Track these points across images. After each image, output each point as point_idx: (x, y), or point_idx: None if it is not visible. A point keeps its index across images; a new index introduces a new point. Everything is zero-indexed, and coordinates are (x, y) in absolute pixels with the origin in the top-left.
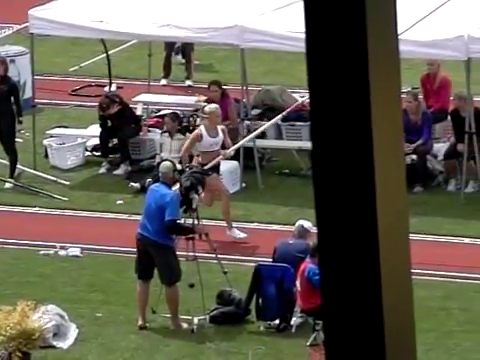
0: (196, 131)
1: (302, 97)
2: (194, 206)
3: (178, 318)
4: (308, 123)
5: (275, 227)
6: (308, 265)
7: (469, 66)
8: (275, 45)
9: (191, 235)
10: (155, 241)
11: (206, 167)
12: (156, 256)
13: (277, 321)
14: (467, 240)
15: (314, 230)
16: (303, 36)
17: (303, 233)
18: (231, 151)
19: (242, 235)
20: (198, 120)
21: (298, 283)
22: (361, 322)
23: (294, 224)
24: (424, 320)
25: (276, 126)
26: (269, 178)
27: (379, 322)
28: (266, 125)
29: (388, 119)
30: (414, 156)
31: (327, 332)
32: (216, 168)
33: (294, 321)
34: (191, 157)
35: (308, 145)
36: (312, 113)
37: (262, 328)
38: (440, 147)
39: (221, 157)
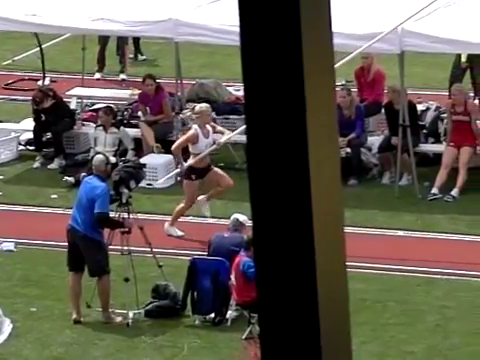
0: (192, 131)
1: (237, 91)
2: (124, 200)
3: (109, 311)
4: (243, 116)
5: (210, 221)
6: (243, 258)
7: (403, 59)
8: (209, 39)
9: (122, 229)
10: (83, 233)
11: (201, 155)
12: (83, 248)
13: (212, 315)
14: (401, 233)
15: (249, 224)
16: (238, 29)
17: (238, 226)
18: (225, 140)
19: (179, 233)
20: (189, 121)
21: (233, 277)
22: (296, 315)
23: (229, 218)
24: (359, 313)
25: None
26: None
27: (314, 315)
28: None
29: (323, 112)
30: (348, 149)
31: (262, 325)
32: (203, 172)
33: (229, 314)
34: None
35: (243, 139)
36: (247, 107)
37: (197, 322)
38: (374, 140)
39: (215, 147)
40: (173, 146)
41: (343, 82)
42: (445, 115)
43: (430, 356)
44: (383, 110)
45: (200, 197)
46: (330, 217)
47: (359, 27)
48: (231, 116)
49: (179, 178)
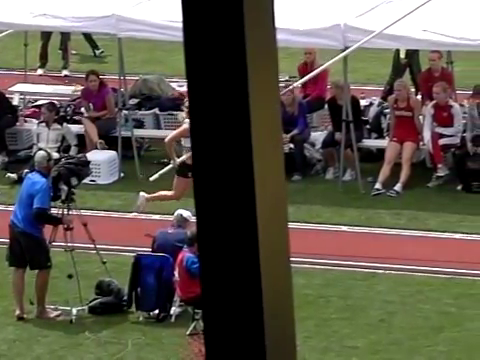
0: (184, 125)
1: (180, 86)
2: (63, 197)
3: (43, 306)
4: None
5: (154, 217)
6: (186, 254)
7: (346, 55)
8: (152, 34)
9: (60, 224)
10: (23, 229)
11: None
12: (24, 244)
13: (156, 311)
14: (345, 228)
15: (193, 219)
16: (180, 25)
17: (182, 222)
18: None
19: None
20: (183, 115)
21: (177, 273)
22: (240, 311)
23: (173, 213)
24: (303, 308)
25: (154, 115)
26: (148, 168)
27: (258, 310)
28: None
29: (266, 108)
30: (292, 145)
31: (206, 321)
32: None
33: (173, 311)
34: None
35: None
36: (190, 102)
37: (141, 318)
38: (318, 135)
39: None
40: (166, 139)
41: (287, 78)
42: (388, 110)
43: (373, 351)
44: (326, 106)
45: (142, 193)
46: (274, 213)
47: (302, 23)
48: (175, 112)
49: (122, 174)
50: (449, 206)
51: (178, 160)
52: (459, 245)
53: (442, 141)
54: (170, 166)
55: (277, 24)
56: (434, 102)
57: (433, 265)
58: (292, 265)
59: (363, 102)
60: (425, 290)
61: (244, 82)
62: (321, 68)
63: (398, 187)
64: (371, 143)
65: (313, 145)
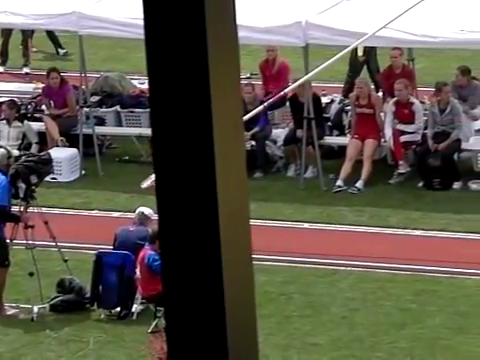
0: None
1: (141, 84)
2: (21, 195)
3: (2, 304)
4: (147, 110)
5: (115, 214)
6: (147, 252)
7: (307, 52)
8: (114, 32)
9: (19, 222)
10: None
11: None
12: None
13: (118, 308)
14: (306, 225)
15: (155, 217)
16: (141, 22)
17: (144, 220)
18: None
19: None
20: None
21: (138, 270)
22: (202, 308)
23: (135, 211)
24: (264, 305)
25: (115, 113)
26: (109, 165)
27: (220, 308)
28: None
29: (228, 105)
30: (253, 142)
31: (168, 319)
32: None
33: (135, 308)
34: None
35: (148, 132)
36: (151, 100)
37: (103, 316)
38: (279, 133)
39: None
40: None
41: (248, 75)
42: (349, 108)
43: (335, 348)
44: (288, 103)
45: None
46: (236, 210)
47: (263, 20)
48: (136, 109)
49: (83, 172)
50: (410, 203)
51: None
52: (420, 242)
53: (403, 138)
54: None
55: (238, 21)
56: (395, 99)
57: (394, 262)
58: (254, 262)
59: (324, 99)
60: (386, 287)
61: (205, 79)
62: (322, 67)
63: (359, 184)
64: (332, 140)
65: (275, 142)
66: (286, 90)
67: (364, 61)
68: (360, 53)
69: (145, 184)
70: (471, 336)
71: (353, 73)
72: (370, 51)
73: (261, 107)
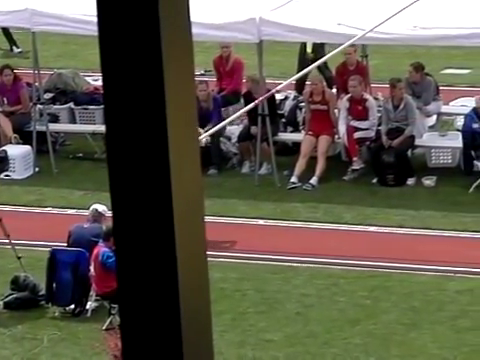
0: None
1: (95, 81)
2: None
3: None
4: (101, 107)
5: (70, 211)
6: (101, 249)
7: (261, 48)
8: (67, 28)
9: None
10: None
11: None
12: None
13: (72, 306)
14: (261, 221)
15: (109, 214)
16: (95, 19)
17: (98, 217)
18: (202, 138)
19: None
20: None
21: (92, 267)
22: (157, 305)
23: (89, 208)
24: (219, 302)
25: (69, 110)
26: (63, 162)
27: (175, 305)
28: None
29: (182, 102)
30: (208, 139)
31: (123, 316)
32: None
33: (89, 305)
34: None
35: (102, 129)
36: (105, 97)
37: (57, 313)
38: (234, 129)
39: None
40: None
41: (202, 72)
42: (303, 104)
43: (289, 344)
44: (242, 99)
45: None
46: (190, 207)
47: (217, 17)
48: (90, 106)
49: (37, 169)
50: (364, 199)
51: None
52: (374, 238)
53: (357, 134)
54: None
55: (192, 18)
56: (349, 95)
57: (349, 258)
58: (208, 259)
59: (278, 96)
60: (341, 283)
61: (159, 76)
62: (321, 61)
63: (314, 180)
64: (287, 137)
65: (229, 139)
66: (278, 88)
67: (313, 58)
68: (309, 50)
69: None
70: (424, 332)
71: (300, 69)
72: (319, 48)
73: (252, 104)
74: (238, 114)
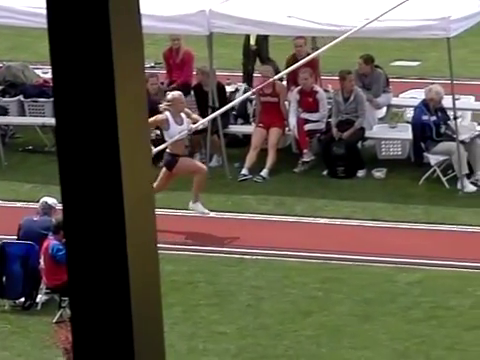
0: (161, 115)
1: (45, 73)
2: None
3: None
4: (51, 99)
5: (19, 204)
6: (51, 242)
7: (211, 41)
8: (17, 21)
9: None
10: None
11: (167, 144)
12: None
13: (22, 299)
14: (212, 214)
15: (59, 207)
16: (45, 12)
17: (47, 210)
18: (198, 125)
19: (206, 211)
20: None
21: (42, 260)
22: (107, 298)
23: (38, 201)
24: (170, 294)
25: (19, 102)
26: (12, 155)
27: (126, 298)
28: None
29: (132, 95)
30: (158, 131)
31: (73, 309)
32: (179, 153)
33: (40, 298)
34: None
35: (52, 121)
36: (55, 89)
37: (7, 306)
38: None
39: (187, 132)
40: None
41: (152, 64)
42: (254, 96)
43: (241, 336)
44: (192, 92)
45: (191, 205)
46: (141, 199)
47: (167, 9)
48: (39, 99)
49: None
50: (315, 191)
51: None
52: (325, 229)
53: (307, 126)
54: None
55: (142, 10)
56: (299, 88)
57: (300, 250)
58: (159, 252)
59: (229, 88)
60: (292, 275)
61: (110, 69)
62: (312, 56)
63: (264, 173)
64: (237, 129)
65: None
66: (276, 77)
67: (256, 50)
68: (252, 42)
69: None
70: (377, 323)
71: (247, 61)
72: (262, 41)
73: (247, 94)
74: (234, 103)
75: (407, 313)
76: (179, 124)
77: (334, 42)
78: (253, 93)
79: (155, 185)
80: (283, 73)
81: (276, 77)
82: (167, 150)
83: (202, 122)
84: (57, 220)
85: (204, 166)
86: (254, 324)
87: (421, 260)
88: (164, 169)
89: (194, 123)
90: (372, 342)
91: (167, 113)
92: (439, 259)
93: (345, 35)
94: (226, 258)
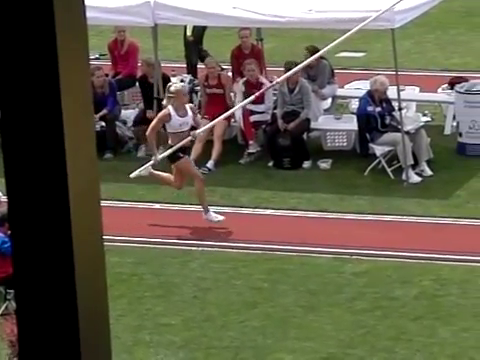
0: (164, 111)
1: None
2: None
3: None
4: None
5: None
6: None
7: (156, 32)
8: None
9: None
10: None
11: (174, 148)
12: None
13: None
14: (158, 205)
15: (4, 199)
16: None
17: None
18: (201, 131)
19: (220, 218)
20: (164, 101)
21: None
22: (53, 290)
23: None
24: (116, 286)
25: None
26: None
27: (72, 290)
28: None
29: (77, 87)
30: (103, 123)
31: (18, 301)
32: (185, 150)
33: None
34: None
35: None
36: None
37: None
38: (129, 113)
39: (190, 138)
40: (147, 131)
41: (97, 56)
42: (199, 88)
43: (187, 328)
44: (137, 83)
45: (204, 217)
46: (86, 191)
47: (112, 0)
48: None
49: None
50: (261, 182)
51: (159, 157)
52: (271, 221)
53: (253, 118)
54: (152, 162)
55: (87, 1)
56: (245, 79)
57: (246, 241)
58: (105, 243)
59: (174, 80)
60: (238, 266)
61: (54, 60)
62: (320, 53)
63: (210, 164)
64: None
65: (125, 123)
66: (278, 80)
67: (193, 41)
68: (189, 33)
69: (134, 175)
70: (322, 314)
71: (187, 53)
72: (199, 31)
73: (267, 86)
74: (249, 100)
75: (352, 304)
76: (181, 116)
77: (335, 42)
78: (272, 86)
79: (174, 184)
80: (284, 77)
81: (278, 80)
82: (169, 142)
83: (205, 129)
84: (2, 213)
85: (201, 175)
86: (200, 316)
87: (366, 251)
88: (182, 160)
89: (196, 124)
90: (317, 333)
91: (169, 107)
92: (384, 250)
93: (346, 35)
94: (172, 250)
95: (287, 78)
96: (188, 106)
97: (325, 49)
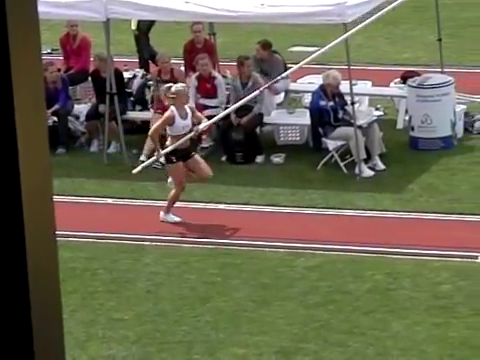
0: (168, 112)
1: None
2: None
3: None
4: None
5: None
6: None
7: (108, 27)
8: None
9: None
10: None
11: (175, 145)
12: None
13: None
14: (110, 200)
15: None
16: None
17: None
18: (204, 127)
19: (176, 219)
20: (166, 102)
21: None
22: (5, 285)
23: None
24: (69, 281)
25: None
26: None
27: (24, 285)
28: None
29: (29, 81)
30: (55, 118)
31: None
32: (188, 155)
33: None
34: (163, 138)
35: None
36: None
37: None
38: (82, 108)
39: (193, 134)
40: (150, 131)
41: (49, 50)
42: (152, 82)
43: (140, 322)
44: (90, 78)
45: (162, 216)
46: (39, 186)
47: None
48: None
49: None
50: (214, 177)
51: (162, 152)
52: (224, 215)
53: (206, 112)
54: (154, 158)
55: None
56: (197, 73)
57: (199, 236)
58: (58, 239)
59: (127, 74)
60: (191, 261)
61: (6, 55)
62: (321, 51)
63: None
64: (135, 115)
65: (77, 118)
66: (287, 73)
67: (138, 36)
68: (133, 27)
69: (136, 170)
70: (274, 308)
71: (138, 48)
72: (144, 26)
73: (257, 91)
74: (249, 98)
75: (305, 298)
76: (184, 118)
77: (337, 40)
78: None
79: (192, 178)
80: (290, 71)
81: (282, 75)
82: (167, 143)
83: (208, 124)
84: None
85: (184, 184)
86: (153, 310)
87: (319, 245)
88: (174, 165)
89: (198, 122)
90: (270, 327)
91: (172, 108)
92: (337, 244)
93: (349, 33)
94: (125, 245)
95: (240, 72)
96: (187, 107)
97: (318, 52)
